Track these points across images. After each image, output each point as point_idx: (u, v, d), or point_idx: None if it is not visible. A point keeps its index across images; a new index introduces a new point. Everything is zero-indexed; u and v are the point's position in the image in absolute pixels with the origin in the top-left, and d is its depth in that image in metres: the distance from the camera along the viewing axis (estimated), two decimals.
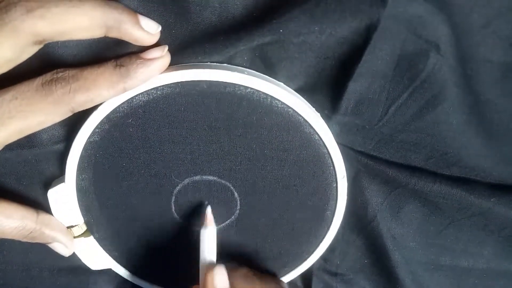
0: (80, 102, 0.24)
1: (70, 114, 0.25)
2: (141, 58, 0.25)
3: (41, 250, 0.33)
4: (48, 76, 0.24)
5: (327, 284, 0.38)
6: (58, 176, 0.31)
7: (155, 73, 0.25)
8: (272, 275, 0.34)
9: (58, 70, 0.25)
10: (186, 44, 0.27)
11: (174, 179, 0.30)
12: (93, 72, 0.24)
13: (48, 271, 0.36)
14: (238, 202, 0.32)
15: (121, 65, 0.25)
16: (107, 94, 0.25)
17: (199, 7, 0.26)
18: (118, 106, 0.27)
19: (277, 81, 0.28)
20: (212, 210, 0.32)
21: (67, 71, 0.24)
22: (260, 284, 0.29)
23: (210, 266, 0.30)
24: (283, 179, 0.31)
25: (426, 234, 0.35)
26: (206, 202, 0.32)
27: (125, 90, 0.25)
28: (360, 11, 0.25)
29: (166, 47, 0.26)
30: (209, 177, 0.30)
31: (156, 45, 0.26)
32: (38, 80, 0.24)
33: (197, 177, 0.30)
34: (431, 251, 0.36)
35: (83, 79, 0.24)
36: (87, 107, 0.25)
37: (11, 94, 0.24)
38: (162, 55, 0.25)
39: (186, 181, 0.31)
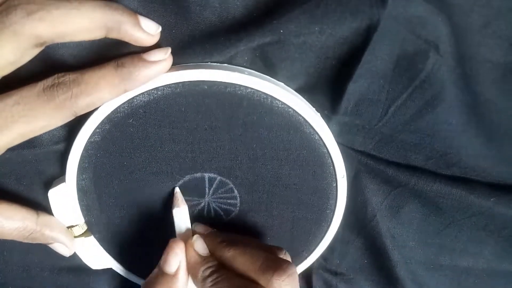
0: (82, 106, 0.24)
1: (72, 117, 0.25)
2: (143, 59, 0.25)
3: (41, 250, 0.33)
4: (49, 81, 0.24)
5: (327, 283, 0.38)
6: (58, 176, 0.31)
7: (157, 75, 0.25)
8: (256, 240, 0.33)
9: (59, 74, 0.24)
10: (186, 44, 0.27)
11: (175, 179, 0.30)
12: (94, 75, 0.24)
13: (49, 271, 0.36)
14: (238, 200, 0.32)
15: (122, 66, 0.25)
16: (108, 96, 0.25)
17: (199, 7, 0.26)
18: (119, 106, 0.27)
19: (277, 81, 0.28)
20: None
21: (68, 76, 0.24)
22: (242, 247, 0.28)
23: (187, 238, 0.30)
24: (283, 178, 0.31)
25: (426, 234, 0.35)
26: (175, 187, 0.31)
27: (126, 91, 0.25)
28: (360, 12, 0.25)
29: (169, 50, 0.25)
30: (209, 174, 0.31)
31: (156, 45, 0.26)
32: (40, 86, 0.24)
33: (198, 174, 0.31)
34: (431, 251, 0.36)
35: (84, 84, 0.24)
36: (89, 110, 0.25)
37: (13, 99, 0.24)
38: (165, 58, 0.25)
39: (187, 177, 0.31)
